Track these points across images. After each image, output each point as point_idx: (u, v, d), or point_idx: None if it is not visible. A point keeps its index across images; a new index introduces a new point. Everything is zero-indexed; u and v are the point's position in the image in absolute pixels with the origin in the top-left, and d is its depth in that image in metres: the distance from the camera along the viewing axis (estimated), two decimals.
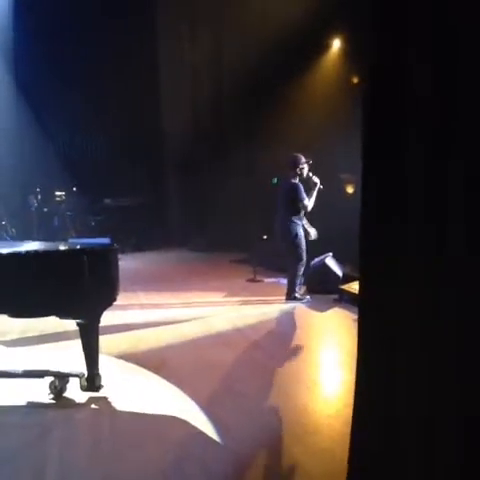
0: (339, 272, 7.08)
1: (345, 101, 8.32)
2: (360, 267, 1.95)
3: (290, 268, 6.74)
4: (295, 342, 5.05)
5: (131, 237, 11.53)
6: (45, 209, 11.22)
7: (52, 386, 3.63)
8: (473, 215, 1.55)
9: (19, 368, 3.84)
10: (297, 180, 6.63)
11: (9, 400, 3.60)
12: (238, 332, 5.37)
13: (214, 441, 3.05)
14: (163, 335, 5.22)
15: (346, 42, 9.16)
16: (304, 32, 8.42)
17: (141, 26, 11.70)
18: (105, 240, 9.35)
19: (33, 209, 10.70)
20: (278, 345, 4.95)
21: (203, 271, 9.37)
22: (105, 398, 3.63)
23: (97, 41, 11.08)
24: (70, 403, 3.57)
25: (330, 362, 4.69)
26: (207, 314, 6.10)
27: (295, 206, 6.60)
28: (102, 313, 3.66)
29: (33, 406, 3.53)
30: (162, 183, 13.23)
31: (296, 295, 6.69)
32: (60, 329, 4.83)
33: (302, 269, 6.72)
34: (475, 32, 1.51)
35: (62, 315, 3.56)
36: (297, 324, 5.76)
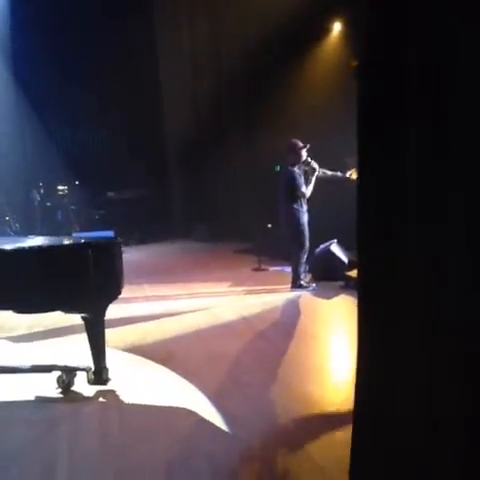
0: (345, 258, 7.05)
1: (346, 85, 8.23)
2: (358, 267, 1.94)
3: (293, 256, 6.73)
4: (302, 330, 5.04)
5: (135, 230, 11.53)
6: (48, 203, 11.25)
7: (60, 380, 3.64)
8: (473, 215, 1.53)
9: (26, 363, 3.84)
10: (295, 167, 6.62)
11: (17, 395, 3.60)
12: (244, 322, 5.36)
13: (222, 432, 3.05)
14: (169, 327, 5.22)
15: (346, 25, 9.05)
16: (304, 17, 8.33)
17: (140, 19, 11.66)
18: (109, 233, 9.36)
19: (36, 204, 10.72)
20: (284, 334, 4.94)
21: (207, 262, 9.36)
22: (113, 391, 3.63)
23: (97, 36, 11.06)
24: (78, 397, 3.58)
25: (337, 350, 4.67)
26: (212, 304, 6.09)
27: (294, 194, 6.59)
28: (107, 307, 3.65)
29: (41, 401, 3.53)
30: (165, 175, 13.22)
31: (302, 283, 6.68)
32: (66, 323, 4.85)
33: (305, 256, 6.71)
34: (475, 31, 1.47)
35: (67, 310, 3.56)
36: (303, 312, 5.74)
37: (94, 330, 3.61)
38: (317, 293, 6.48)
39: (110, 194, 12.19)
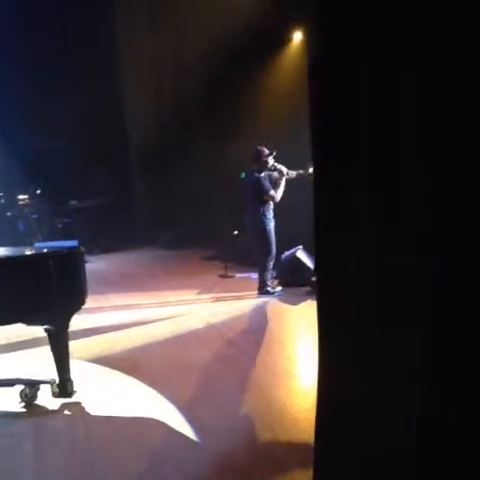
0: (310, 264, 7.09)
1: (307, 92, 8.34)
2: (316, 264, 2.03)
3: (260, 262, 6.75)
4: (270, 336, 5.05)
5: (99, 238, 11.37)
6: (8, 213, 10.98)
7: (23, 394, 3.54)
8: (420, 219, 1.56)
9: None
10: (261, 173, 6.64)
11: None
12: (212, 329, 5.34)
13: (191, 441, 3.02)
14: (136, 336, 5.15)
15: (307, 34, 9.17)
16: (266, 24, 8.41)
17: (100, 22, 11.47)
18: (72, 243, 9.15)
19: None
20: (252, 341, 4.93)
21: (174, 269, 9.30)
22: (78, 403, 3.55)
23: (54, 38, 10.83)
24: (42, 411, 3.48)
25: (305, 355, 4.69)
26: (180, 313, 6.04)
27: (261, 199, 6.60)
28: (71, 318, 3.58)
29: (3, 416, 3.43)
30: (128, 183, 13.08)
31: (268, 289, 6.70)
32: (29, 336, 4.72)
33: (272, 263, 6.74)
34: (427, 34, 1.51)
35: (29, 322, 3.47)
36: (270, 318, 5.76)
37: (58, 342, 3.53)
38: (284, 299, 6.50)
39: (73, 202, 11.97)
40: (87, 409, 3.48)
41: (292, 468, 2.67)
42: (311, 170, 6.67)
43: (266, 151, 6.67)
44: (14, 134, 11.37)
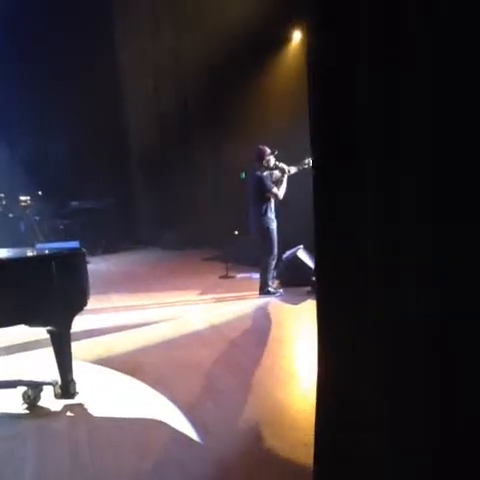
0: (311, 264, 7.11)
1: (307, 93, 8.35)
2: (315, 265, 2.02)
3: (261, 262, 6.76)
4: (271, 337, 5.05)
5: (101, 239, 11.40)
6: (10, 215, 11.02)
7: (25, 396, 3.55)
8: (423, 219, 1.57)
9: None
10: (263, 172, 6.64)
11: None
12: (214, 330, 5.35)
13: (194, 441, 3.02)
14: (138, 337, 5.16)
15: (306, 32, 9.17)
16: (264, 27, 8.42)
17: (102, 30, 11.54)
18: (74, 244, 9.23)
19: None
20: (254, 341, 4.95)
21: (175, 270, 9.32)
22: (81, 405, 3.56)
23: (55, 42, 10.89)
24: (45, 412, 3.49)
25: (306, 355, 4.69)
26: (182, 313, 6.06)
27: (264, 197, 6.59)
28: (73, 319, 3.59)
29: (6, 417, 3.44)
30: (130, 183, 13.13)
31: (269, 289, 6.71)
32: (31, 337, 4.74)
33: (274, 263, 6.75)
34: (425, 39, 1.52)
35: (32, 323, 3.48)
36: (272, 318, 5.77)
37: (60, 343, 3.54)
38: (285, 299, 6.52)
39: (74, 204, 12.01)
40: (89, 410, 3.49)
41: (293, 469, 2.68)
42: (307, 161, 6.68)
43: (268, 150, 6.67)
44: (16, 136, 11.41)
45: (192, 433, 3.11)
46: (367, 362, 1.79)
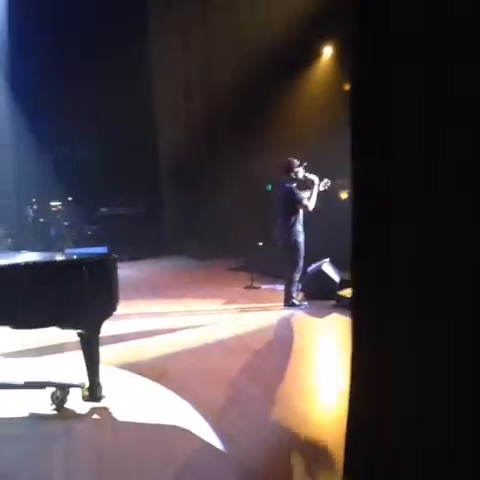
0: (336, 278, 7.10)
1: (338, 108, 8.38)
2: (351, 267, 1.94)
3: (286, 274, 6.76)
4: (295, 349, 5.06)
5: (128, 246, 11.54)
6: (41, 219, 11.25)
7: (53, 397, 3.62)
8: (461, 216, 1.56)
9: (20, 379, 3.83)
10: (293, 184, 6.66)
11: (10, 412, 3.59)
12: (238, 340, 5.38)
13: (218, 451, 3.04)
14: (163, 344, 5.23)
15: (337, 49, 9.24)
16: (295, 41, 8.49)
17: (134, 37, 11.78)
18: (102, 249, 9.38)
19: (30, 220, 10.72)
20: (278, 352, 4.96)
21: (201, 279, 9.38)
22: (106, 408, 3.61)
23: (91, 52, 11.17)
24: (71, 414, 3.56)
25: (330, 368, 4.69)
26: (207, 322, 6.11)
27: (294, 209, 6.60)
28: (102, 323, 3.66)
29: (35, 417, 3.52)
30: (158, 192, 13.28)
31: (294, 301, 6.71)
32: (61, 340, 4.84)
33: (298, 275, 6.74)
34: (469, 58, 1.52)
35: (63, 326, 3.56)
36: (296, 330, 5.77)
37: (89, 346, 3.61)
38: (309, 311, 6.51)
39: (103, 210, 12.23)
40: (114, 414, 3.54)
41: None
42: (325, 182, 6.69)
43: (296, 162, 6.69)
44: (49, 142, 11.68)
45: (216, 442, 3.13)
46: (410, 386, 1.74)
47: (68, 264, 3.81)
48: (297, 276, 6.73)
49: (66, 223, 11.46)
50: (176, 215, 12.95)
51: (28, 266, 3.60)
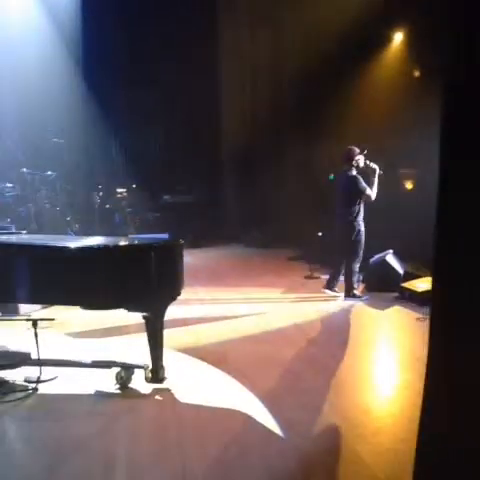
0: (400, 269, 6.95)
1: (406, 96, 8.15)
2: (433, 267, 1.89)
3: (347, 265, 6.67)
4: (354, 340, 5.00)
5: (188, 233, 11.71)
6: (107, 206, 11.56)
7: (118, 377, 3.76)
8: None
9: (87, 358, 3.99)
10: (354, 172, 6.55)
11: (79, 389, 3.75)
12: (297, 329, 5.37)
13: (277, 436, 3.07)
14: (223, 330, 5.30)
15: (407, 35, 8.96)
16: (365, 26, 8.30)
17: (202, 26, 11.89)
18: (164, 236, 9.55)
19: (96, 206, 11.05)
20: (337, 343, 4.92)
21: (260, 267, 9.42)
22: (168, 390, 3.72)
23: (160, 41, 11.36)
24: (135, 394, 3.68)
25: (391, 361, 4.62)
26: (265, 310, 6.13)
27: (356, 198, 6.50)
28: (167, 307, 3.76)
29: (100, 395, 3.66)
30: (220, 180, 13.38)
31: (355, 292, 6.62)
32: (127, 322, 5.01)
33: (358, 266, 6.64)
34: None
35: (130, 308, 3.66)
36: (357, 322, 5.70)
37: (154, 329, 3.71)
38: (370, 303, 6.41)
39: (166, 197, 12.45)
40: (176, 396, 3.64)
41: (379, 471, 2.65)
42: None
43: (357, 150, 6.58)
44: (115, 130, 11.98)
45: (276, 428, 3.16)
46: None
47: (137, 248, 3.91)
48: (357, 267, 6.63)
49: (129, 210, 11.74)
50: (237, 204, 13.01)
51: (99, 249, 3.73)
